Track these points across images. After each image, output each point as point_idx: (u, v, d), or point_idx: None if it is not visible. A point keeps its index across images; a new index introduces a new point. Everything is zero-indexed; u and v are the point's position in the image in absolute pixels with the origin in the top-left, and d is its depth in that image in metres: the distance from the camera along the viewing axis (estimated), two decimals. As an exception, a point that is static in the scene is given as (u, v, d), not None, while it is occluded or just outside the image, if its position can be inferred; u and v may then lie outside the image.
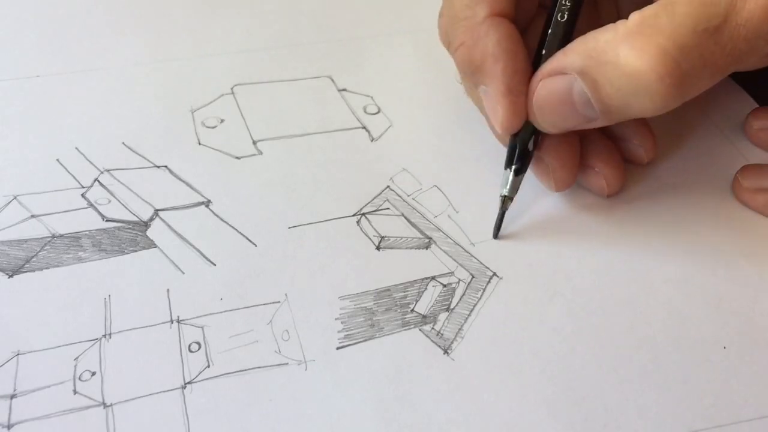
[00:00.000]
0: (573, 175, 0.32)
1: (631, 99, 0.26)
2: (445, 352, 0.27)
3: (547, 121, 0.29)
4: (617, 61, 0.25)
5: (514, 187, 0.31)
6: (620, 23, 0.26)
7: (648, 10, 0.25)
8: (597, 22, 0.28)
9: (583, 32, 0.27)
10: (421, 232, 0.32)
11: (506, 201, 0.31)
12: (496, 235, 0.31)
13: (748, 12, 0.25)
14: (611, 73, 0.26)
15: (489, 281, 0.30)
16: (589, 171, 0.32)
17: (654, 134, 0.34)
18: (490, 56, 0.29)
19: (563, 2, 0.29)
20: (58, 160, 0.34)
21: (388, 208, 0.33)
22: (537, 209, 0.33)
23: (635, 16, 0.26)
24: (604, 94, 0.26)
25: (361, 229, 0.32)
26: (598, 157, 0.32)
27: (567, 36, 0.29)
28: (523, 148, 0.30)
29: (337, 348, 0.27)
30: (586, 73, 0.26)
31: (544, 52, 0.29)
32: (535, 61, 0.30)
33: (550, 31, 0.29)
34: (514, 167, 0.31)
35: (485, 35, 0.29)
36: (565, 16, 0.29)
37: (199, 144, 0.35)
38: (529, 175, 0.32)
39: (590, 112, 0.27)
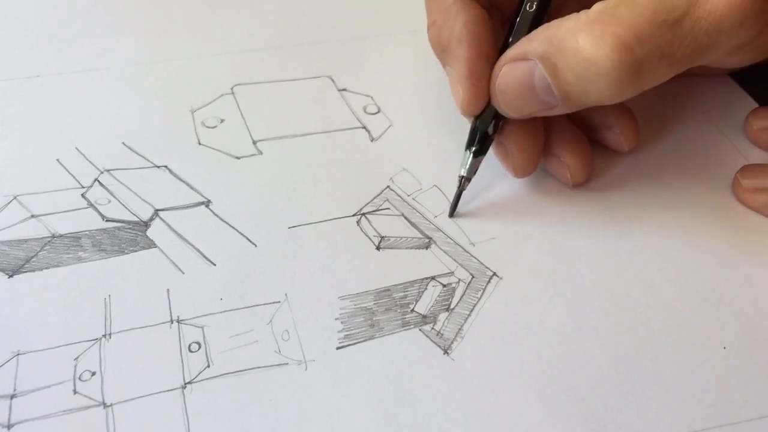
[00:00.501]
0: (533, 162, 0.32)
1: (588, 85, 0.26)
2: (445, 352, 0.27)
3: (508, 105, 0.29)
4: (576, 48, 0.26)
5: (473, 169, 0.32)
6: (582, 12, 0.27)
7: (611, 1, 0.26)
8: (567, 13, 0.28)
9: None
10: (421, 232, 0.32)
11: (463, 181, 0.32)
12: (451, 214, 0.32)
13: (711, 5, 0.26)
14: (570, 59, 0.26)
15: (489, 281, 0.30)
16: (554, 159, 0.33)
17: (636, 123, 0.34)
18: (455, 38, 0.30)
19: None
20: (58, 160, 0.34)
21: (388, 208, 0.33)
22: (537, 208, 0.33)
23: (597, 6, 0.26)
24: (563, 80, 0.27)
25: (361, 229, 0.32)
26: (564, 146, 0.33)
27: (535, 25, 0.29)
28: (484, 131, 0.31)
29: (337, 348, 0.27)
30: (546, 59, 0.27)
31: (510, 39, 0.30)
32: (503, 49, 0.30)
33: (518, 19, 0.30)
34: (473, 149, 0.31)
35: (454, 17, 0.30)
36: (534, 6, 0.30)
37: (199, 144, 0.35)
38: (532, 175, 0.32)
39: (550, 98, 0.28)
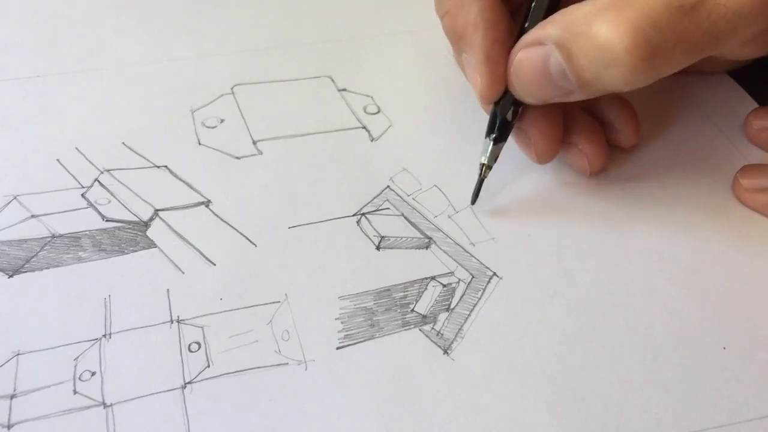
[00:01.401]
0: (554, 148, 0.32)
1: (603, 71, 0.26)
2: (445, 352, 0.27)
3: (525, 91, 0.29)
4: (590, 33, 0.26)
5: (493, 156, 0.32)
6: None
7: None
8: None
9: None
10: (421, 232, 0.32)
11: (485, 169, 0.32)
12: (473, 202, 0.32)
13: None
14: (584, 45, 0.26)
15: (489, 281, 0.30)
16: (572, 148, 0.33)
17: (637, 120, 0.34)
18: (471, 24, 0.30)
19: None
20: (58, 160, 0.34)
21: (388, 208, 0.33)
22: (537, 208, 0.33)
23: None
24: (578, 65, 0.27)
25: (361, 229, 0.32)
26: (581, 135, 0.33)
27: (551, 10, 0.29)
28: (503, 118, 0.31)
29: (337, 348, 0.27)
30: (562, 45, 0.27)
31: (527, 25, 0.30)
32: (519, 34, 0.30)
33: (533, 4, 0.30)
34: (493, 136, 0.31)
35: (468, 4, 0.30)
36: None
37: (199, 144, 0.35)
38: (526, 171, 0.32)
39: (566, 83, 0.28)
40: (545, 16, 0.29)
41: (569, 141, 0.33)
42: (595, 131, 0.33)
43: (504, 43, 0.30)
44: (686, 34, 0.26)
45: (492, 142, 0.31)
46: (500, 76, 0.30)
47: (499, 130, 0.31)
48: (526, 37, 0.29)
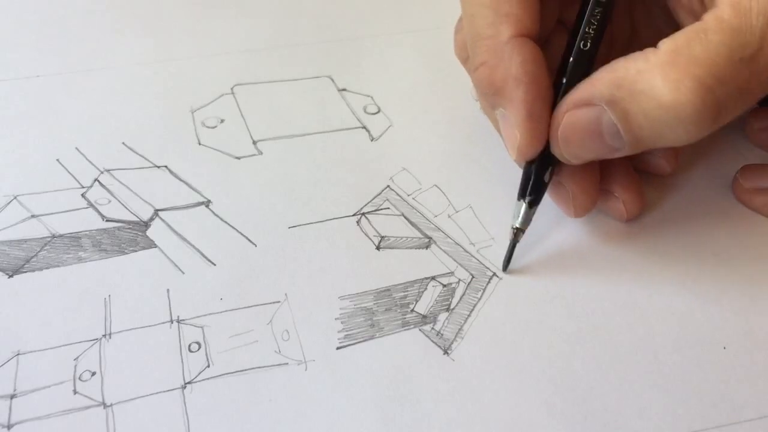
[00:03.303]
0: (593, 201, 0.31)
1: (666, 130, 0.25)
2: (445, 352, 0.27)
3: (571, 152, 0.28)
4: (652, 93, 0.25)
5: (527, 219, 0.30)
6: (650, 52, 0.25)
7: (680, 38, 0.25)
8: (610, 40, 0.27)
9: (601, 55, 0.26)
10: (421, 232, 0.32)
11: (518, 233, 0.30)
12: (505, 269, 0.30)
13: None
14: (645, 104, 0.25)
15: (489, 281, 0.30)
16: (608, 196, 0.32)
17: (642, 196, 0.32)
18: (513, 79, 0.28)
19: (587, 30, 0.28)
20: (58, 160, 0.34)
21: (388, 208, 0.33)
22: (537, 208, 0.33)
23: (667, 44, 0.25)
24: (635, 125, 0.25)
25: (361, 229, 0.32)
26: (617, 181, 0.31)
27: (590, 64, 0.28)
28: (538, 179, 0.29)
29: (337, 348, 0.27)
30: (616, 104, 0.26)
31: (565, 80, 0.28)
32: (555, 88, 0.29)
33: (572, 59, 0.28)
34: (528, 199, 0.29)
35: (509, 57, 0.28)
36: (588, 44, 0.28)
37: (199, 144, 0.35)
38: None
39: (618, 142, 0.27)
40: (586, 73, 0.27)
41: (605, 189, 0.31)
42: (630, 177, 0.32)
43: (546, 99, 0.28)
44: (748, 85, 0.25)
45: (527, 206, 0.29)
46: (540, 134, 0.28)
47: (535, 192, 0.29)
48: (573, 97, 0.27)
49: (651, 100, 0.25)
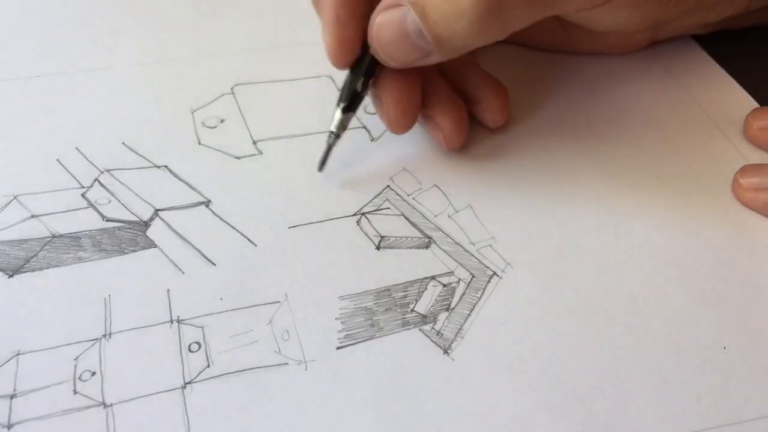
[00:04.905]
0: (408, 119, 0.32)
1: (454, 25, 0.27)
2: (445, 352, 0.27)
3: (386, 53, 0.30)
4: None
5: (342, 125, 0.32)
6: None
7: None
8: None
9: None
10: (421, 231, 0.32)
11: (332, 137, 0.32)
12: (320, 169, 0.33)
13: None
14: (435, 1, 0.27)
15: (489, 281, 0.30)
16: (430, 122, 0.33)
17: (505, 98, 0.35)
18: None
19: None
20: (58, 160, 0.34)
21: (388, 208, 0.33)
22: (537, 208, 0.33)
23: None
24: (431, 21, 0.28)
25: (361, 229, 0.32)
26: (440, 109, 0.33)
27: None
28: (352, 87, 0.31)
29: (337, 348, 0.27)
30: (416, 3, 0.28)
31: None
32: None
33: None
34: (342, 105, 0.32)
35: None
36: None
37: (199, 144, 0.35)
38: (526, 172, 0.32)
39: (424, 43, 0.29)
40: None
41: (428, 114, 0.33)
42: (454, 106, 0.33)
43: (356, 6, 0.30)
44: None
45: (341, 112, 0.32)
46: (350, 40, 0.30)
47: (349, 99, 0.32)
48: (385, 1, 0.29)
49: None
